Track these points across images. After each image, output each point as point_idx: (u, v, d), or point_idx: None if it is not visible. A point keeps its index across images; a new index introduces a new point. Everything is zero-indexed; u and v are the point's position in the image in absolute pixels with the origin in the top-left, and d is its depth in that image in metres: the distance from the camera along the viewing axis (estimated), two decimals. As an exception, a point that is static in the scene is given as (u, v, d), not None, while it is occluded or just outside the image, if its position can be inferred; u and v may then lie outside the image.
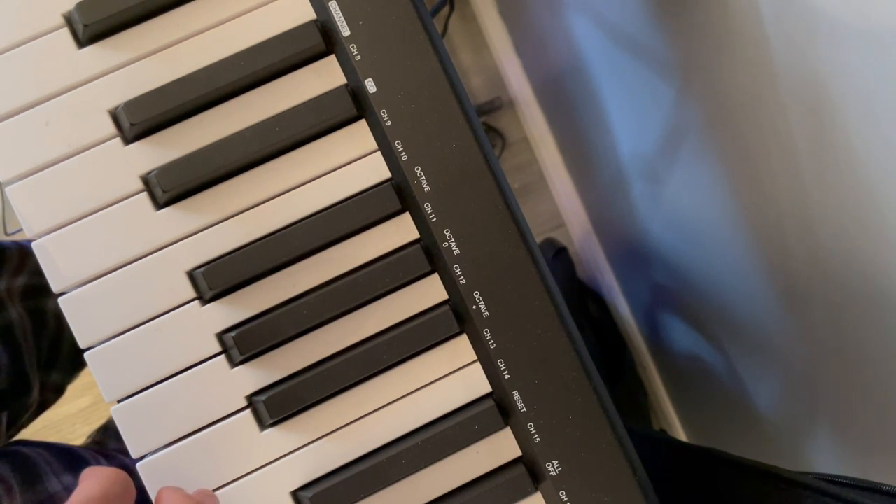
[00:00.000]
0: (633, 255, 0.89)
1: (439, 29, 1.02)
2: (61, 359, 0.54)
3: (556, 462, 0.32)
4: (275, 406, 0.31)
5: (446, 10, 0.96)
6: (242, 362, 0.31)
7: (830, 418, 0.58)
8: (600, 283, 1.02)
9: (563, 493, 0.32)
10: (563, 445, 0.32)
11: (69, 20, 0.31)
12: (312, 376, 0.31)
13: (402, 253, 0.32)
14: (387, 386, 0.32)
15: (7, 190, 0.31)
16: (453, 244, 0.32)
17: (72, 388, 0.56)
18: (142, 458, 0.31)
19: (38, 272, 0.51)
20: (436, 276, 0.32)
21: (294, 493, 0.31)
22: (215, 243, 0.31)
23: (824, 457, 0.61)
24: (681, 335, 0.83)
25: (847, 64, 0.39)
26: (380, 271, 0.31)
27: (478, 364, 0.32)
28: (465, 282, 0.32)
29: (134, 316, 0.31)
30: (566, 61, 0.81)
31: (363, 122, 0.32)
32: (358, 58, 0.32)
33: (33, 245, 0.31)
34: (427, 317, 0.32)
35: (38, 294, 0.51)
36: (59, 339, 0.53)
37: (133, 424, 0.30)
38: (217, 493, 0.31)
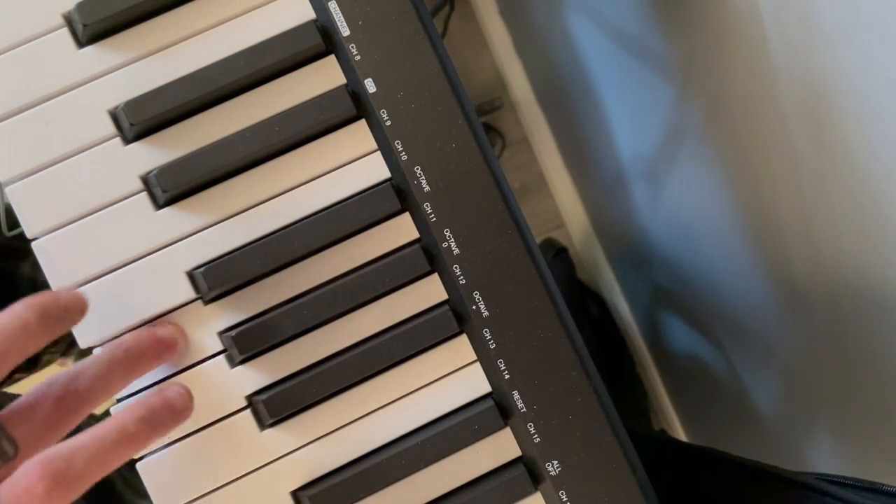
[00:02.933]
0: (633, 255, 0.89)
1: (439, 29, 1.01)
2: None
3: (556, 462, 0.32)
4: (274, 406, 0.31)
5: (446, 10, 0.96)
6: (242, 362, 0.31)
7: (830, 418, 0.58)
8: (600, 283, 1.02)
9: (563, 493, 0.32)
10: (563, 445, 0.32)
11: (69, 20, 0.31)
12: (312, 376, 0.31)
13: (401, 253, 0.32)
14: (387, 386, 0.32)
15: (7, 190, 0.31)
16: (453, 244, 0.32)
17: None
18: (141, 458, 0.31)
19: (16, 235, 0.49)
20: (436, 276, 0.32)
21: (294, 493, 0.31)
22: (215, 243, 0.31)
23: (824, 457, 0.61)
24: (681, 335, 0.83)
25: (846, 64, 0.39)
26: (380, 271, 0.31)
27: (478, 364, 0.32)
28: (465, 282, 0.32)
29: (134, 316, 0.31)
30: (566, 61, 0.81)
31: (363, 122, 0.32)
32: (358, 58, 0.32)
33: (33, 245, 0.31)
34: (427, 317, 0.32)
35: (12, 256, 0.50)
36: None
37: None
38: (216, 493, 0.31)
